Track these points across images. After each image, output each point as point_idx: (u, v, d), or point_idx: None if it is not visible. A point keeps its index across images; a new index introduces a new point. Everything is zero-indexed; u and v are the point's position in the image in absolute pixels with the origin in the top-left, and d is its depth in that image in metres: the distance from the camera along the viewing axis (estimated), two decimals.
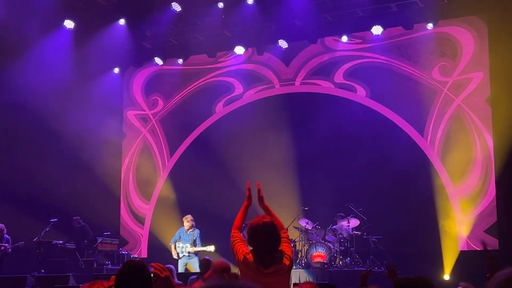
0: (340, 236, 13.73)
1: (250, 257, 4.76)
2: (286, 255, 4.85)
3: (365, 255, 13.70)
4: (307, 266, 13.27)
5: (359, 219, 13.89)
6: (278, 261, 4.75)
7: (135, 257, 15.50)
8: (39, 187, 14.77)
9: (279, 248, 4.82)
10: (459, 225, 14.31)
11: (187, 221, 14.19)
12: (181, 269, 13.85)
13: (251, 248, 4.84)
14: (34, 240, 13.69)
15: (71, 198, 15.43)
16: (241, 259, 4.84)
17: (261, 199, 5.28)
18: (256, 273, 4.63)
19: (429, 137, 14.96)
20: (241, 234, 5.23)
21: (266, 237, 4.74)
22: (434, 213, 14.41)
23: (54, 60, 15.32)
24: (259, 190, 5.29)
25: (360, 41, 15.86)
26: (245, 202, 5.28)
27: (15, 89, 14.64)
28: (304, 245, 13.72)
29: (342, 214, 14.19)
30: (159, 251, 16.06)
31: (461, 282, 6.83)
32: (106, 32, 15.98)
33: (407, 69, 15.35)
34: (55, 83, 15.22)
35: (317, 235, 13.79)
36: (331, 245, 13.52)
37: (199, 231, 14.16)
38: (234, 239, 5.11)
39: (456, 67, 14.89)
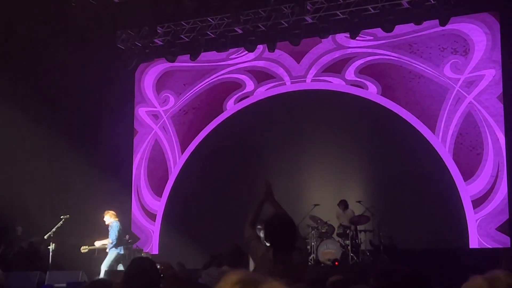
0: (351, 233, 13.71)
1: (269, 253, 4.77)
2: (302, 251, 4.87)
3: (376, 252, 13.68)
4: (317, 263, 13.26)
5: (369, 216, 13.87)
6: (295, 257, 4.76)
7: (147, 253, 15.54)
8: (49, 184, 14.82)
9: (296, 244, 4.83)
10: (471, 223, 14.28)
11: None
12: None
13: (268, 244, 4.84)
14: (46, 236, 13.74)
15: (82, 195, 15.50)
16: (259, 255, 4.85)
17: (271, 196, 5.27)
18: (274, 270, 4.64)
19: (440, 134, 14.91)
20: (255, 231, 5.24)
21: (284, 233, 4.75)
22: (445, 211, 14.38)
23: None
24: (269, 187, 5.29)
25: (372, 38, 15.81)
26: (262, 198, 5.26)
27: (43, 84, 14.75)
28: (314, 242, 13.70)
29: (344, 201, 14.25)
30: (171, 247, 16.10)
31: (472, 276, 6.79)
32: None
33: (419, 66, 15.29)
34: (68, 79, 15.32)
35: (328, 232, 13.79)
36: (341, 242, 13.51)
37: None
38: (249, 235, 5.12)
39: (468, 64, 14.83)
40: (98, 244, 13.84)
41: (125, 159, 17.66)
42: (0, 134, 14.54)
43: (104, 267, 13.42)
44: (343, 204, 14.34)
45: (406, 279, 3.46)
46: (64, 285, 11.43)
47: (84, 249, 13.88)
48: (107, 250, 13.68)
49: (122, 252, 13.66)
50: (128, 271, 3.62)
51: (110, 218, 13.83)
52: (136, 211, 17.51)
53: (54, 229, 13.83)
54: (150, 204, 17.45)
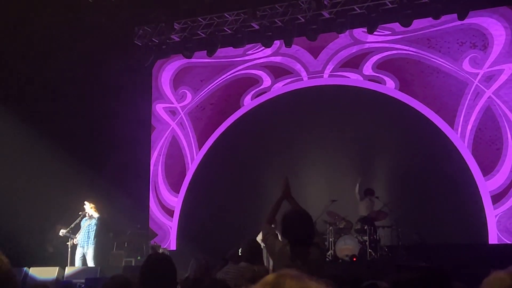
0: (369, 229, 13.63)
1: (286, 249, 4.76)
2: (320, 247, 4.86)
3: (394, 247, 13.61)
4: (335, 259, 13.22)
5: (387, 212, 13.79)
6: (313, 252, 4.75)
7: (165, 249, 15.59)
8: (67, 180, 14.88)
9: (314, 240, 4.82)
10: (490, 218, 14.18)
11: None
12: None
13: (286, 240, 4.84)
14: (64, 232, 13.80)
15: (100, 191, 15.55)
16: (277, 251, 4.85)
17: (288, 193, 5.27)
18: (292, 265, 4.62)
19: (459, 130, 14.80)
20: (273, 228, 5.24)
21: (301, 228, 4.74)
22: (464, 206, 14.28)
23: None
24: (287, 184, 5.29)
25: (389, 32, 15.73)
26: (281, 195, 5.27)
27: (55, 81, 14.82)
28: (332, 238, 13.65)
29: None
30: (188, 243, 16.13)
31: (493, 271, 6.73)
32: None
33: (437, 61, 15.19)
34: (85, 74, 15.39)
35: (345, 228, 13.73)
36: (359, 238, 13.45)
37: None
38: (267, 232, 5.12)
39: (487, 59, 14.71)
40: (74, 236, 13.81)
41: (142, 155, 17.74)
42: (18, 129, 14.64)
43: (92, 262, 13.47)
44: (367, 192, 14.20)
45: (426, 275, 3.41)
46: (82, 281, 11.48)
47: (62, 232, 13.85)
48: (83, 245, 13.67)
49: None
50: (143, 266, 3.61)
51: (94, 212, 13.83)
52: (154, 207, 17.57)
53: (72, 225, 13.89)
54: (167, 200, 17.49)
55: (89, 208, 13.84)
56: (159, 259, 3.70)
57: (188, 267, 8.67)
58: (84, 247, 13.72)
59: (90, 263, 13.59)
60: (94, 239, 13.74)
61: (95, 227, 13.79)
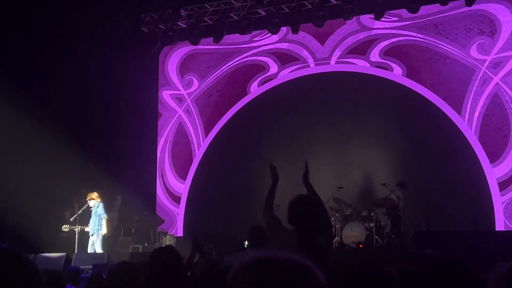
0: (375, 216, 13.63)
1: (292, 236, 4.75)
2: (327, 233, 4.85)
3: (401, 234, 13.61)
4: (341, 246, 13.23)
5: (394, 199, 13.77)
6: (319, 239, 4.74)
7: (172, 236, 15.63)
8: (75, 167, 14.92)
9: (321, 226, 4.81)
10: (497, 205, 14.16)
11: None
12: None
13: (293, 227, 4.82)
14: (72, 219, 13.88)
15: (107, 178, 15.59)
16: (284, 238, 4.83)
17: (306, 176, 5.26)
18: (297, 252, 4.61)
19: (466, 116, 14.75)
20: (275, 215, 5.23)
21: (308, 215, 4.72)
22: (471, 193, 14.25)
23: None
24: (306, 166, 5.27)
25: (397, 19, 15.65)
26: (272, 181, 5.28)
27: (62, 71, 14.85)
28: (338, 225, 13.66)
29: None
30: (195, 230, 16.15)
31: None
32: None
33: (445, 47, 15.12)
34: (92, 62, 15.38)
35: (352, 215, 13.74)
36: (366, 225, 13.45)
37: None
38: (269, 219, 5.10)
39: (494, 45, 14.63)
40: (84, 228, 13.99)
41: (149, 142, 17.76)
42: (25, 117, 14.66)
43: (100, 249, 13.63)
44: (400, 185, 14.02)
45: (437, 265, 3.40)
46: (90, 266, 11.54)
47: (65, 227, 14.01)
48: (93, 233, 13.85)
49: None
50: (150, 261, 3.63)
51: (96, 201, 13.97)
52: (160, 194, 17.61)
53: (79, 212, 13.96)
54: (174, 187, 17.53)
55: (93, 197, 13.95)
56: (164, 252, 3.71)
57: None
58: (94, 235, 13.88)
59: (99, 249, 13.71)
60: (102, 225, 13.92)
61: (102, 215, 13.95)
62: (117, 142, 16.30)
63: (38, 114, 14.62)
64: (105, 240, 14.08)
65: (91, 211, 14.01)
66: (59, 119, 15.18)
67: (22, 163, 14.59)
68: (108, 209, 14.33)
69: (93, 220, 13.94)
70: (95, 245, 13.86)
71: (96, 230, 13.94)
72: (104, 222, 13.98)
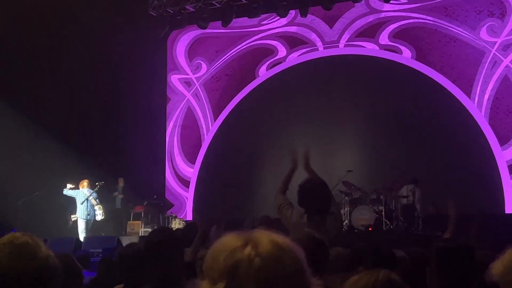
0: (385, 199, 13.61)
1: (303, 219, 4.77)
2: (337, 216, 4.86)
3: (410, 218, 13.59)
4: (351, 229, 13.23)
5: (404, 182, 13.73)
6: (330, 221, 4.76)
7: (181, 219, 15.68)
8: (84, 151, 14.96)
9: (330, 209, 4.83)
10: (507, 188, 14.12)
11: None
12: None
13: (302, 209, 4.84)
14: (82, 202, 13.94)
15: (116, 162, 15.65)
16: (294, 221, 4.85)
17: (307, 163, 5.28)
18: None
19: (476, 99, 14.69)
20: (287, 198, 5.24)
21: (319, 197, 4.74)
22: (481, 176, 14.22)
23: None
24: (306, 154, 5.29)
25: (406, 1, 15.56)
26: (291, 167, 5.30)
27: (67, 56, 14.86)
28: (347, 208, 13.65)
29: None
30: (204, 214, 16.19)
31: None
32: None
33: (454, 30, 15.02)
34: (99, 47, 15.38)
35: (361, 198, 13.72)
36: (375, 208, 13.43)
37: None
38: (281, 202, 5.11)
39: (504, 27, 14.53)
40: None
41: (158, 127, 17.79)
42: (33, 98, 14.72)
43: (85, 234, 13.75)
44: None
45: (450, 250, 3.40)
46: (100, 250, 11.58)
47: (74, 217, 14.15)
48: (86, 219, 14.02)
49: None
50: (148, 240, 3.66)
51: (88, 188, 14.10)
52: (170, 178, 17.66)
53: (89, 196, 14.03)
54: (183, 171, 17.57)
55: (85, 185, 14.09)
56: (163, 231, 3.73)
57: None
58: (84, 221, 13.99)
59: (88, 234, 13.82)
60: (96, 211, 14.07)
61: (95, 201, 14.08)
62: (126, 127, 16.31)
63: (49, 99, 14.67)
64: (97, 224, 14.32)
65: (75, 199, 14.10)
66: (68, 104, 15.21)
67: (32, 149, 14.62)
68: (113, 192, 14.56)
69: (84, 207, 14.00)
70: (85, 231, 13.94)
71: (92, 217, 14.04)
72: (97, 208, 14.06)
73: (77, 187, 14.07)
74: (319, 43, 16.57)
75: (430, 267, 3.38)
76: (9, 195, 13.67)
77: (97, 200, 14.09)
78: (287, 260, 1.56)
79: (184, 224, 14.96)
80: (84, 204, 13.96)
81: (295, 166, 5.31)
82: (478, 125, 14.54)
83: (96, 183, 14.15)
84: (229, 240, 1.60)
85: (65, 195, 14.09)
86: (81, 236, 13.77)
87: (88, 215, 13.97)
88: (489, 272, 2.35)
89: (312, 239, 3.57)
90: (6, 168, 13.89)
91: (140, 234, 14.45)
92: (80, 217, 13.97)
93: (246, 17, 16.75)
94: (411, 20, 15.52)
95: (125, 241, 12.54)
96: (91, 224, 14.10)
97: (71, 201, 14.17)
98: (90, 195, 14.00)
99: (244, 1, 16.34)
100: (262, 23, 17.11)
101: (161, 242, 3.55)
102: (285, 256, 1.57)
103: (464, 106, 14.73)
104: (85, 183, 14.10)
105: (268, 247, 1.57)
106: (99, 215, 14.12)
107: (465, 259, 3.34)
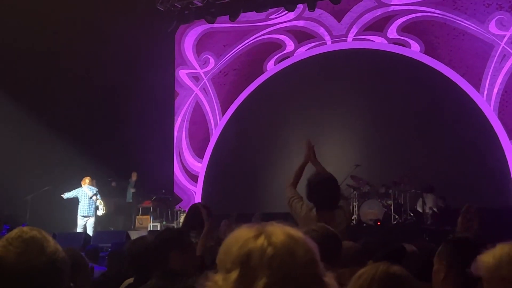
0: (394, 193, 13.59)
1: (312, 213, 4.78)
2: (346, 210, 4.86)
3: (419, 212, 13.58)
4: (359, 223, 13.22)
5: (412, 176, 13.69)
6: (339, 216, 4.77)
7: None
8: (93, 147, 15.01)
9: (339, 203, 4.84)
10: None
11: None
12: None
13: (312, 204, 4.85)
14: (91, 198, 13.99)
15: (125, 158, 15.69)
16: (304, 215, 4.86)
17: (313, 156, 5.28)
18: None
19: (485, 93, 14.63)
20: (297, 191, 5.25)
21: (327, 191, 4.75)
22: (490, 170, 14.17)
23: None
24: (311, 147, 5.30)
25: None
26: (304, 159, 5.30)
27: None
28: (356, 203, 13.65)
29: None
30: (212, 209, 16.18)
31: None
32: None
33: (463, 23, 14.96)
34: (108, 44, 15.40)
35: (369, 193, 13.71)
36: (383, 203, 13.42)
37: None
38: (292, 195, 5.12)
39: None
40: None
41: (166, 121, 17.80)
42: (43, 95, 14.78)
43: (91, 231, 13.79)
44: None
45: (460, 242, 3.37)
46: (109, 245, 11.63)
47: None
48: (88, 215, 14.08)
49: None
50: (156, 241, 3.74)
51: (89, 185, 14.15)
52: (178, 172, 17.68)
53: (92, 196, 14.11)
54: (192, 165, 17.58)
55: (87, 182, 14.13)
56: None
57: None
58: (86, 217, 14.00)
59: (90, 231, 13.81)
60: (96, 209, 14.11)
61: (97, 198, 14.11)
62: (134, 121, 16.33)
63: (59, 95, 14.74)
64: (99, 220, 14.43)
65: (78, 195, 14.16)
66: (78, 100, 15.25)
67: (42, 144, 14.67)
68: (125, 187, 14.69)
69: (86, 203, 14.03)
70: (87, 227, 13.97)
71: (92, 213, 14.10)
72: (99, 204, 14.10)
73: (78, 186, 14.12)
74: (327, 37, 16.53)
75: (445, 264, 3.32)
76: (18, 190, 13.74)
77: (98, 195, 14.12)
78: (300, 250, 1.58)
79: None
80: (83, 201, 14.00)
81: (308, 160, 5.32)
82: (487, 118, 14.49)
83: (110, 179, 14.29)
84: (242, 232, 1.62)
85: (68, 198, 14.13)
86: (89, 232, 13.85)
87: (88, 212, 14.05)
88: (475, 265, 2.31)
89: (326, 231, 3.58)
90: (16, 163, 13.97)
91: (148, 229, 14.49)
92: (78, 214, 14.01)
93: (254, 12, 16.74)
94: (419, 14, 15.47)
95: (134, 235, 12.56)
96: (94, 220, 14.14)
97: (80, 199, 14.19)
98: (93, 195, 14.02)
99: None
100: (270, 17, 17.09)
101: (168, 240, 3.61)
102: (298, 246, 1.59)
103: (473, 100, 14.68)
104: (87, 180, 14.14)
105: (281, 237, 1.59)
106: (101, 210, 14.16)
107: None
